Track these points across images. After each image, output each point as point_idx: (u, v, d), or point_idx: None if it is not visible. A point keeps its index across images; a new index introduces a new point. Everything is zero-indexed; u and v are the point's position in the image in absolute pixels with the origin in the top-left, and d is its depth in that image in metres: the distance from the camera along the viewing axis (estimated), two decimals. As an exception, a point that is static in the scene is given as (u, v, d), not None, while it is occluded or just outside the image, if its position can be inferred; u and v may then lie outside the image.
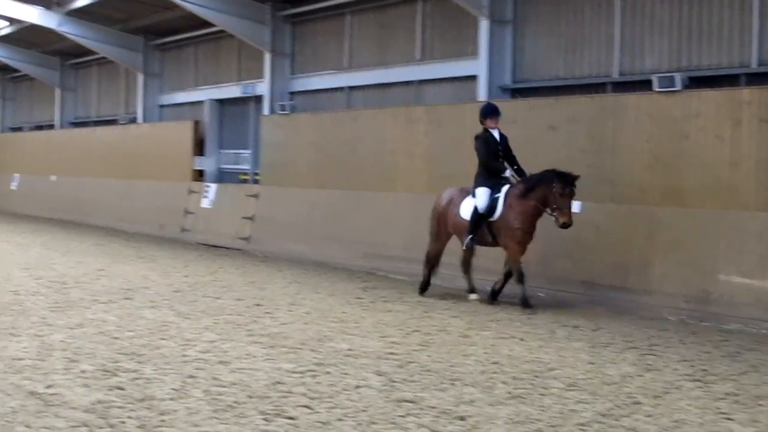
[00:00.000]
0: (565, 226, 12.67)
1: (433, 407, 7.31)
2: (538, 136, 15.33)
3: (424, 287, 14.60)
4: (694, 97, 13.52)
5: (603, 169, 14.45)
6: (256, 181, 23.34)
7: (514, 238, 13.28)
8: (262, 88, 23.87)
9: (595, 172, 14.31)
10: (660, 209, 13.64)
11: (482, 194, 13.52)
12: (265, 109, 23.51)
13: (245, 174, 24.71)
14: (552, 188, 12.75)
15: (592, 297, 13.94)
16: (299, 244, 20.01)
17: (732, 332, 11.57)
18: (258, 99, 24.34)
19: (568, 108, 15.22)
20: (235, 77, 25.73)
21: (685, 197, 13.38)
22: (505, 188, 13.47)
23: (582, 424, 6.92)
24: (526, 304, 13.06)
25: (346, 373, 8.52)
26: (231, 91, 25.69)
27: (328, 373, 8.54)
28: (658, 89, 14.09)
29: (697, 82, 14.55)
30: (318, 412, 7.15)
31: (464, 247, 13.89)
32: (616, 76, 16.16)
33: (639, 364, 9.34)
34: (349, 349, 9.71)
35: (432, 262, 14.57)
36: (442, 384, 8.16)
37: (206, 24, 24.37)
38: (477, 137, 13.79)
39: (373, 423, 6.86)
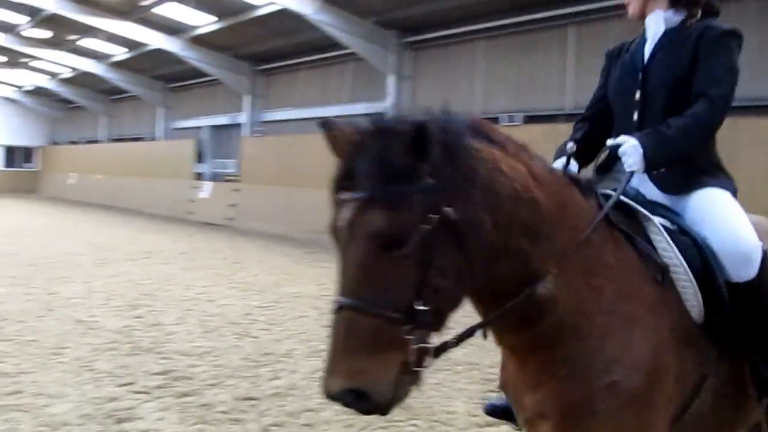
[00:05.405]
0: None
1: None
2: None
3: None
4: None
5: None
6: (238, 181, 22.74)
7: None
8: (242, 118, 23.59)
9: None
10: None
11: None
12: (245, 132, 23.11)
13: (230, 176, 24.13)
14: None
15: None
16: (267, 224, 18.83)
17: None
18: (239, 126, 23.86)
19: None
20: (222, 111, 25.14)
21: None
22: None
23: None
24: None
25: (293, 308, 8.42)
26: (221, 119, 25.13)
27: (282, 307, 8.45)
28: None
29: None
30: (273, 333, 7.14)
31: None
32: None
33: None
34: (297, 292, 9.56)
35: None
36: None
37: (201, 74, 23.71)
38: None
39: (309, 341, 6.85)
